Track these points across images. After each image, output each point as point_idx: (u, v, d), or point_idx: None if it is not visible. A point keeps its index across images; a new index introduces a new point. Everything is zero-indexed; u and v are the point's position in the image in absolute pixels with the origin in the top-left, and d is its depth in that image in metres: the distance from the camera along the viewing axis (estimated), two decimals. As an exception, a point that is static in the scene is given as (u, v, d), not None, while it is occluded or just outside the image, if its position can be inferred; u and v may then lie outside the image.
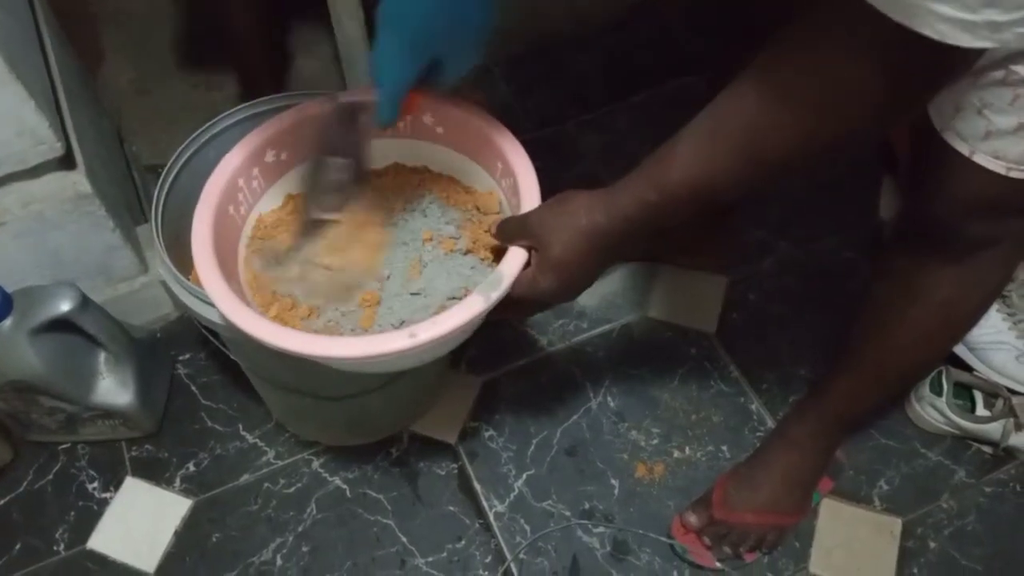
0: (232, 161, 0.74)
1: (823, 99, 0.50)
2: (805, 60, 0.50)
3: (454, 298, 0.72)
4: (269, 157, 0.77)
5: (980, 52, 0.45)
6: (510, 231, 0.68)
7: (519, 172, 0.71)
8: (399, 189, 0.80)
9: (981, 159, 0.62)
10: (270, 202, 0.80)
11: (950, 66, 0.47)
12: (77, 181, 0.94)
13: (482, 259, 0.74)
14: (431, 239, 0.76)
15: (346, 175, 0.69)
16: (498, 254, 0.72)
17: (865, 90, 0.48)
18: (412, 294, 0.73)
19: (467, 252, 0.75)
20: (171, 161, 0.86)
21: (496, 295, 0.64)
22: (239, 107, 0.90)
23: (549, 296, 0.66)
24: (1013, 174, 0.62)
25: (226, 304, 0.65)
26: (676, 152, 0.58)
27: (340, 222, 0.72)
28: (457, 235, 0.76)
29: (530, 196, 0.70)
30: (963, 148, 0.63)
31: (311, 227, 0.72)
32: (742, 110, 0.54)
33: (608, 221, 0.62)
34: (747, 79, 0.54)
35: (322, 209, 0.71)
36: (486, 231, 0.75)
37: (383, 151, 0.81)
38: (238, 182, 0.75)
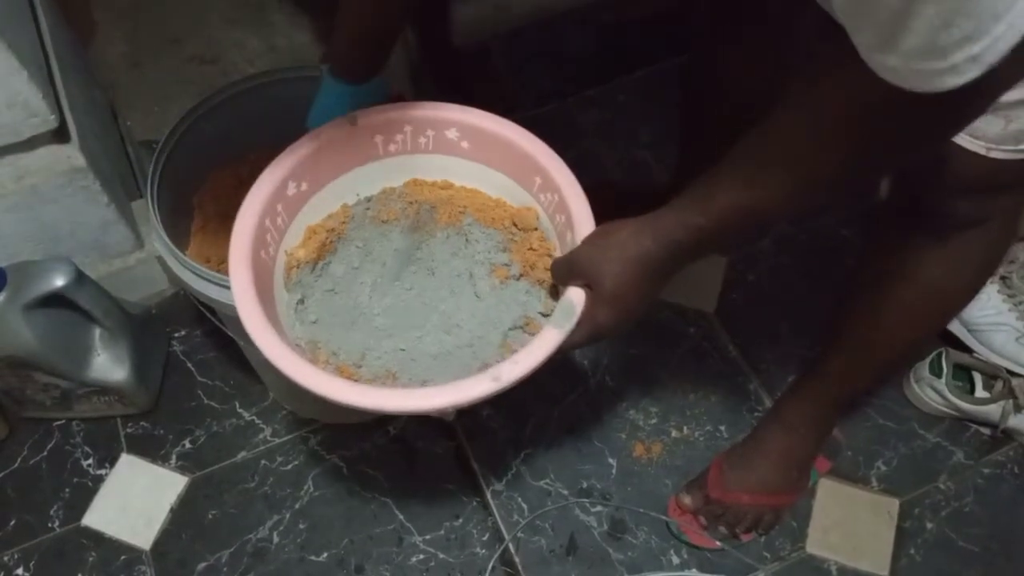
0: (256, 201, 0.69)
1: (861, 126, 0.48)
2: (842, 91, 0.48)
3: (516, 328, 0.70)
4: (291, 190, 0.72)
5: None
6: (561, 273, 0.67)
7: (564, 189, 0.69)
8: (437, 211, 0.77)
9: (961, 139, 0.62)
10: (293, 238, 0.75)
11: (968, 101, 0.44)
12: (71, 155, 0.93)
13: (533, 283, 0.72)
14: (484, 268, 0.73)
15: None
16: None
17: (900, 122, 0.46)
18: (474, 327, 0.70)
19: (520, 276, 0.72)
20: (165, 136, 0.85)
21: (570, 325, 0.62)
22: (232, 82, 0.89)
23: (610, 330, 0.64)
24: (993, 154, 0.62)
25: (291, 365, 0.61)
26: (720, 176, 0.57)
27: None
28: (508, 261, 0.73)
29: (582, 221, 0.67)
30: None
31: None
32: (784, 136, 0.53)
33: (657, 246, 0.60)
34: (788, 104, 0.52)
35: None
36: (531, 249, 0.72)
37: (401, 167, 0.77)
38: (265, 223, 0.70)
